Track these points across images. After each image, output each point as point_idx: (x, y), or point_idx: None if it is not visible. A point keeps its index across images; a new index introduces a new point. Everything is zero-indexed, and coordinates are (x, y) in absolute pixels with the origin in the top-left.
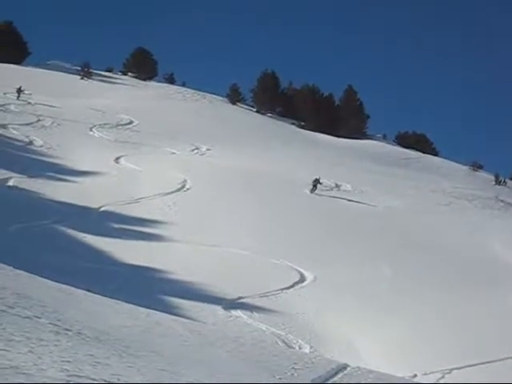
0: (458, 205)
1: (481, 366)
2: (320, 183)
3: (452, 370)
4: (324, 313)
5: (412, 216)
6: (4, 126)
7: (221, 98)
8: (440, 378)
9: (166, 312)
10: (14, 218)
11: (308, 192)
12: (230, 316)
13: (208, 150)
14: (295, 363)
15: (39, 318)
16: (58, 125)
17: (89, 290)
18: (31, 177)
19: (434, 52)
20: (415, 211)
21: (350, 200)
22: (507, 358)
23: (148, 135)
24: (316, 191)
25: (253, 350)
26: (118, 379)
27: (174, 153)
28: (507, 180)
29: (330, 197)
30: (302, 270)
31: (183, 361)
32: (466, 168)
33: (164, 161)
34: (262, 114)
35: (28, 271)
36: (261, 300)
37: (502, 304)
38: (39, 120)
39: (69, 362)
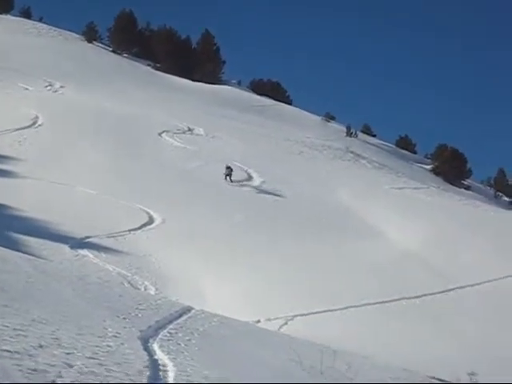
0: (309, 154)
1: (323, 314)
2: (231, 172)
3: (295, 316)
4: (171, 255)
5: (263, 163)
6: None
7: (77, 35)
8: (283, 325)
9: (12, 249)
10: None
11: (160, 136)
12: (77, 255)
13: (62, 87)
14: (140, 304)
15: None
16: None
17: None
18: None
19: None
20: (267, 159)
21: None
22: (349, 307)
23: (0, 70)
24: (231, 179)
25: (98, 290)
26: None
27: (26, 89)
28: (358, 132)
29: (182, 140)
30: (150, 212)
31: (28, 298)
32: (318, 118)
33: (16, 96)
34: (118, 53)
35: None
36: (108, 240)
37: (348, 253)
38: None
39: None
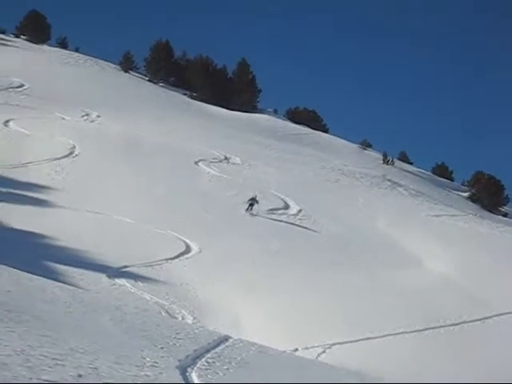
0: (346, 182)
1: (361, 342)
2: (257, 202)
3: (333, 345)
4: (208, 284)
5: (300, 192)
6: None
7: (113, 65)
8: (321, 353)
9: (50, 278)
10: None
11: (199, 166)
12: (114, 284)
13: (98, 116)
14: (177, 333)
15: None
16: None
17: None
18: None
19: (331, 28)
20: (304, 187)
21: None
22: (386, 335)
23: (39, 99)
24: (251, 211)
25: (136, 319)
26: None
27: (64, 118)
28: (395, 159)
29: (219, 169)
30: (187, 241)
31: (66, 327)
32: (355, 146)
33: (54, 126)
34: (155, 83)
35: None
36: (145, 269)
37: (385, 281)
38: None
39: None
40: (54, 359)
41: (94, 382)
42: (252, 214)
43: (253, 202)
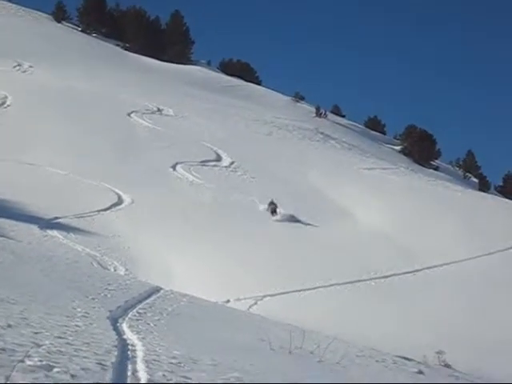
0: (278, 135)
1: (293, 294)
2: (276, 207)
3: (264, 296)
4: (141, 235)
5: (232, 144)
6: None
7: (46, 15)
8: (252, 305)
9: None
10: None
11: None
12: (46, 235)
13: (30, 67)
14: (109, 284)
15: None
16: None
17: None
18: None
19: None
20: (236, 139)
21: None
22: (318, 287)
23: None
24: (277, 215)
25: (67, 270)
26: None
27: None
28: (328, 112)
29: (151, 121)
30: (119, 192)
31: None
32: (288, 99)
33: None
34: (88, 33)
35: None
36: (77, 221)
37: (318, 234)
38: None
39: None
40: None
41: (24, 330)
42: (277, 220)
43: (273, 206)
